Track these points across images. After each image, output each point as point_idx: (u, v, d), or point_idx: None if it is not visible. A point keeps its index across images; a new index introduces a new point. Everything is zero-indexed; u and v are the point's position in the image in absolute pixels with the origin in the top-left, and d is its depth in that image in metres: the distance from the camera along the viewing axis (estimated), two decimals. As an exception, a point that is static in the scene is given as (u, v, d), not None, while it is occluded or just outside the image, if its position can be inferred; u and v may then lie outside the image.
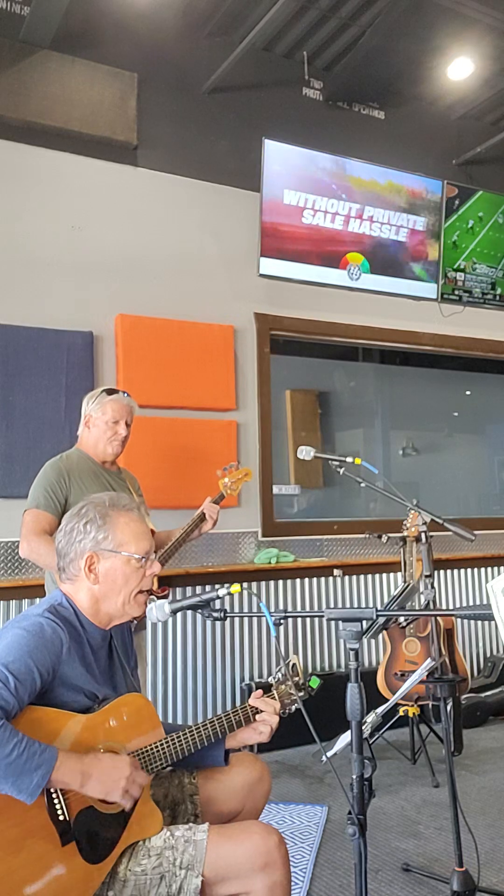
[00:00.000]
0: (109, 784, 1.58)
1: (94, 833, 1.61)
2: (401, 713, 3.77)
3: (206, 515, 3.19)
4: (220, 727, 1.87)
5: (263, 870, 1.65)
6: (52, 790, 1.56)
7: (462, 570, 5.13)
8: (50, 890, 1.53)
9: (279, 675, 2.01)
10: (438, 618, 3.54)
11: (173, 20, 4.42)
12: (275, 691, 1.98)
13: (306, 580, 4.55)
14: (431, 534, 2.75)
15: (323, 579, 4.61)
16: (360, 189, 4.88)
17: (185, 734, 1.81)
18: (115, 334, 4.19)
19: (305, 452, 3.17)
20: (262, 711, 1.91)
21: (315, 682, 2.04)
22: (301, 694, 1.98)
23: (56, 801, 1.57)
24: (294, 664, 2.04)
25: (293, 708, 1.98)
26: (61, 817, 1.56)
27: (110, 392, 3.11)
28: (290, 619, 4.49)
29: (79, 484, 2.95)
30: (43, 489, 2.93)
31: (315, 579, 4.58)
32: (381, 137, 5.20)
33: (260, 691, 1.97)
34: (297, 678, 2.01)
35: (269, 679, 2.02)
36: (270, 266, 4.60)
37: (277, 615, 1.73)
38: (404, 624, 3.77)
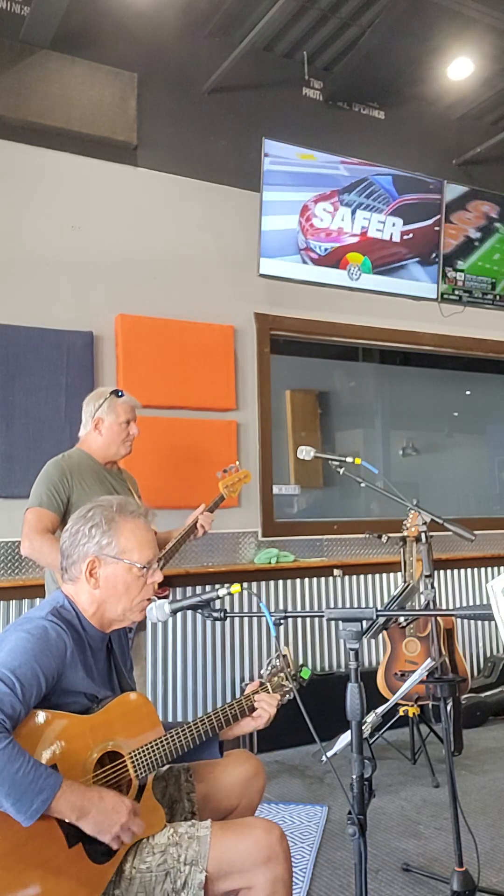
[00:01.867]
0: (104, 827, 1.57)
1: None
2: (401, 713, 3.77)
3: (198, 526, 3.20)
4: (218, 721, 1.87)
5: (266, 864, 1.67)
6: None
7: (462, 570, 5.13)
8: (58, 891, 1.53)
9: (271, 667, 2.02)
10: (438, 618, 3.55)
11: (173, 20, 4.42)
12: (267, 683, 1.99)
13: (306, 580, 4.55)
14: (431, 534, 2.75)
15: (323, 579, 4.61)
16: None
17: (184, 730, 1.82)
18: (115, 334, 4.19)
19: (305, 452, 3.17)
20: (257, 702, 1.93)
21: (306, 674, 2.06)
22: (293, 685, 1.98)
23: None
24: (285, 655, 2.05)
25: (285, 699, 1.99)
26: (67, 819, 1.57)
27: (117, 394, 3.12)
28: (290, 619, 4.49)
29: (81, 483, 2.95)
30: (45, 487, 2.93)
31: (315, 579, 4.58)
32: (381, 137, 5.21)
33: (256, 683, 1.98)
34: (288, 669, 2.01)
35: (261, 671, 2.03)
36: (270, 266, 4.60)
37: (277, 615, 1.73)
38: (404, 624, 3.77)
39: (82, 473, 2.99)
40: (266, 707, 1.93)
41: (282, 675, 2.01)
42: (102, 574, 1.80)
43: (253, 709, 1.93)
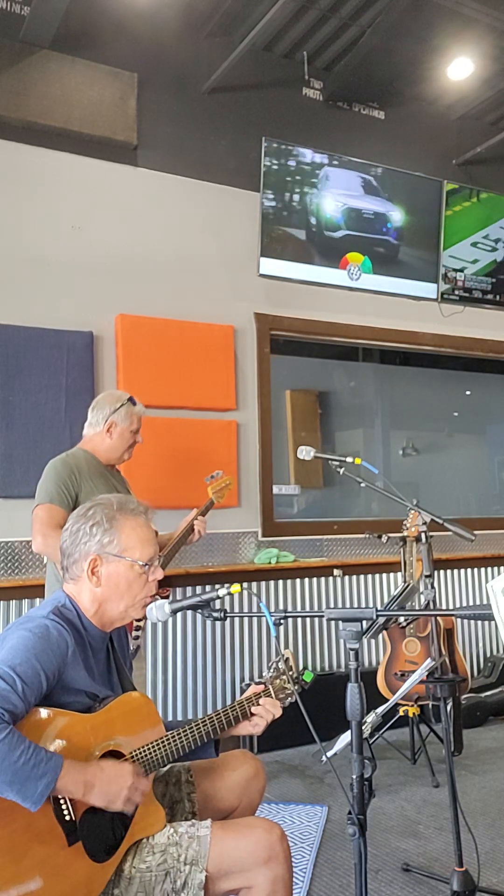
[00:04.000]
0: (112, 794, 1.59)
1: (100, 832, 1.62)
2: (401, 713, 3.78)
3: (195, 531, 3.21)
4: (220, 723, 1.87)
5: (266, 864, 1.67)
6: None
7: (462, 570, 5.13)
8: (57, 890, 1.53)
9: (273, 670, 2.02)
10: (438, 618, 3.55)
11: (173, 20, 4.42)
12: (269, 686, 1.98)
13: (306, 580, 4.55)
14: (431, 534, 2.75)
15: (323, 579, 4.61)
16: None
17: (185, 731, 1.81)
18: (115, 334, 4.19)
19: (305, 452, 3.17)
20: (258, 705, 1.92)
21: (309, 676, 2.05)
22: (295, 688, 1.98)
23: (62, 801, 1.57)
24: (287, 658, 2.04)
25: (287, 702, 1.99)
26: (67, 818, 1.57)
27: (133, 402, 3.13)
28: (290, 619, 4.49)
29: (88, 482, 2.96)
30: (55, 484, 2.92)
31: (315, 579, 4.58)
32: (381, 137, 5.20)
33: (261, 686, 1.98)
34: (290, 672, 2.01)
35: (264, 674, 2.03)
36: (270, 266, 4.60)
37: (277, 615, 1.73)
38: (404, 624, 3.77)
39: (89, 472, 3.00)
40: (264, 714, 1.92)
41: (284, 677, 2.00)
42: (104, 572, 1.80)
43: (255, 703, 1.93)
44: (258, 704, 1.92)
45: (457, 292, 5.35)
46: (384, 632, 3.91)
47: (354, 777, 1.62)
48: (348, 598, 4.67)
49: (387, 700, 2.24)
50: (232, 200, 4.61)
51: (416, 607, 3.28)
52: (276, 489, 4.70)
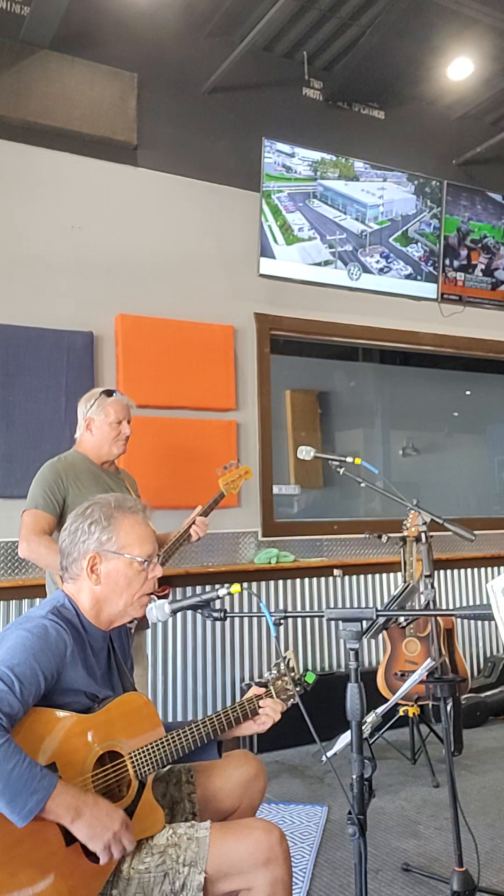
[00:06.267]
0: (96, 833, 1.54)
1: None
2: (401, 713, 3.77)
3: (192, 531, 3.18)
4: (220, 724, 1.87)
5: (265, 865, 1.66)
6: None
7: (462, 570, 5.13)
8: (56, 890, 1.53)
9: (275, 670, 2.01)
10: (438, 618, 3.55)
11: (173, 20, 4.42)
12: (271, 687, 1.98)
13: (306, 580, 4.55)
14: (431, 534, 2.75)
15: (323, 579, 4.61)
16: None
17: (185, 732, 1.81)
18: (115, 334, 4.19)
19: (305, 452, 3.17)
20: (262, 707, 1.92)
21: (311, 678, 2.05)
22: (297, 689, 1.98)
23: None
24: (289, 659, 2.04)
25: (289, 703, 1.99)
26: (61, 821, 1.56)
27: (108, 393, 3.12)
28: (290, 619, 4.49)
29: (76, 484, 2.96)
30: (41, 489, 2.94)
31: (315, 579, 4.58)
32: (381, 137, 5.20)
33: (262, 690, 1.98)
34: (293, 673, 2.01)
35: (265, 675, 2.03)
36: (270, 266, 4.60)
37: (277, 615, 1.73)
38: (404, 624, 3.77)
39: (78, 474, 3.00)
40: (270, 713, 1.92)
41: (286, 678, 2.00)
42: (103, 570, 1.80)
43: (256, 712, 1.93)
44: (262, 704, 1.93)
45: (456, 292, 5.35)
46: (384, 632, 3.91)
47: (354, 777, 1.62)
48: (348, 598, 4.67)
49: (387, 700, 2.24)
50: (232, 200, 4.61)
51: (416, 607, 3.27)
52: (276, 489, 4.70)
